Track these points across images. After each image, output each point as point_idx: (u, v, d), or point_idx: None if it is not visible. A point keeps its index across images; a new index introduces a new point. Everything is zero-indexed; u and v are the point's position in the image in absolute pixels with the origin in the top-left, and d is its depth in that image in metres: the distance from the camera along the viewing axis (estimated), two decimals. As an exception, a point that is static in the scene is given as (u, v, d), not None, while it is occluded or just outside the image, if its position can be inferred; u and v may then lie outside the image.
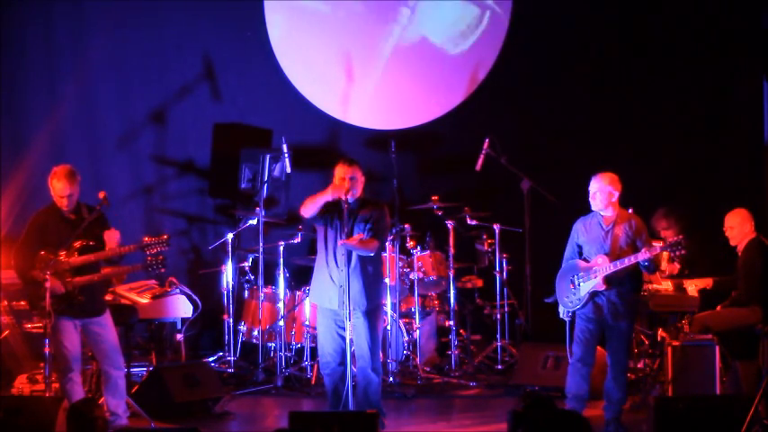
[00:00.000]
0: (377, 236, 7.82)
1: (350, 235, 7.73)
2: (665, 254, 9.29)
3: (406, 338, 9.81)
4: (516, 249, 10.35)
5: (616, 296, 7.93)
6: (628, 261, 7.79)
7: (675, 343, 8.41)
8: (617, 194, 7.99)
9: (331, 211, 7.80)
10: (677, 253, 7.85)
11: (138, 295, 9.17)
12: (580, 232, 8.10)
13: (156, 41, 11.12)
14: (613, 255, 7.88)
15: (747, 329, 8.79)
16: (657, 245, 7.85)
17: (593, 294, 7.93)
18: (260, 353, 9.91)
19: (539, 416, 5.40)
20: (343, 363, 7.74)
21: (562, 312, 8.12)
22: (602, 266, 7.86)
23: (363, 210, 7.86)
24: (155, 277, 9.16)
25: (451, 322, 10.11)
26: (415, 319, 9.88)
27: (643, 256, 7.75)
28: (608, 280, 7.86)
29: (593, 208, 8.03)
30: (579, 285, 7.96)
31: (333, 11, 11.34)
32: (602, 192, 7.97)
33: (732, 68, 11.01)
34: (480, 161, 10.35)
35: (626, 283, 7.96)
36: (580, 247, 8.09)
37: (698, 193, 10.92)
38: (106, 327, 7.86)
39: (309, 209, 7.75)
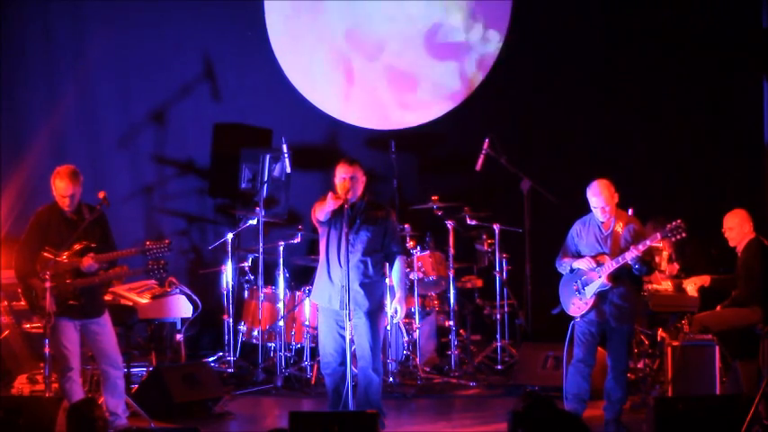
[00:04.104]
0: (399, 249, 7.97)
1: (356, 232, 7.77)
2: (665, 254, 9.31)
3: (406, 338, 9.81)
4: (516, 249, 10.35)
5: (619, 298, 7.93)
6: (629, 254, 7.76)
7: (675, 343, 8.41)
8: (617, 198, 7.98)
9: (334, 212, 7.80)
10: (678, 237, 7.80)
11: (138, 295, 9.17)
12: (578, 237, 8.09)
13: (156, 41, 11.11)
14: (613, 255, 7.87)
15: (747, 329, 8.80)
16: (657, 234, 7.82)
17: (599, 298, 7.91)
18: (260, 353, 9.91)
19: (539, 416, 5.39)
20: (344, 363, 7.74)
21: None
22: (605, 264, 7.86)
23: (370, 213, 7.87)
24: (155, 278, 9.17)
25: (451, 322, 10.10)
26: (415, 319, 9.87)
27: (644, 247, 7.72)
28: (612, 277, 7.86)
29: (600, 219, 8.00)
30: (584, 289, 7.95)
31: (333, 11, 11.34)
32: (608, 204, 7.93)
33: (732, 68, 11.01)
34: (480, 161, 10.35)
35: (628, 285, 7.96)
36: (578, 253, 8.08)
37: (698, 194, 10.93)
38: (105, 327, 7.87)
39: (321, 214, 7.81)
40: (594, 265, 7.89)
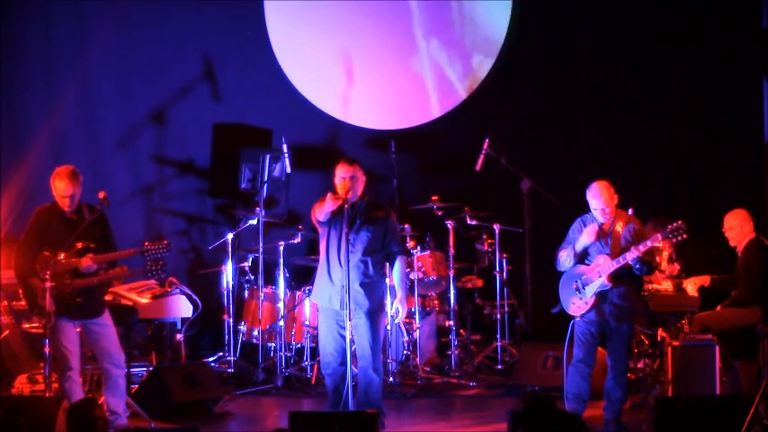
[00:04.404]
0: (400, 249, 7.99)
1: (356, 232, 7.78)
2: (666, 254, 9.31)
3: (406, 338, 9.81)
4: (516, 249, 10.35)
5: (619, 298, 7.92)
6: (630, 255, 7.76)
7: (675, 343, 8.41)
8: (616, 199, 7.99)
9: (334, 212, 7.81)
10: (679, 238, 7.80)
11: (138, 295, 9.17)
12: (579, 232, 8.08)
13: (156, 41, 11.11)
14: (614, 255, 7.87)
15: (747, 329, 8.80)
16: (658, 235, 7.81)
17: (600, 298, 7.91)
18: (260, 353, 9.91)
19: (539, 416, 5.39)
20: (344, 363, 7.74)
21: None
22: (605, 265, 7.85)
23: (370, 213, 7.88)
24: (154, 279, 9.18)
25: (451, 322, 10.10)
26: (415, 319, 9.88)
27: (644, 247, 7.72)
28: (613, 277, 7.85)
29: (600, 221, 8.00)
30: (584, 289, 7.95)
31: (333, 11, 11.34)
32: (607, 206, 7.93)
33: (732, 68, 11.01)
34: (480, 161, 10.35)
35: (628, 285, 7.95)
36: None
37: (698, 194, 10.92)
38: (106, 326, 7.87)
39: (320, 215, 7.82)
40: (598, 230, 7.87)
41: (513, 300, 10.44)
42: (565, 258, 8.07)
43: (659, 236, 7.77)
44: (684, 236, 7.77)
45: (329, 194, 7.74)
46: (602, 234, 7.96)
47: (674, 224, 7.77)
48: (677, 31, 11.06)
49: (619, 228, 7.97)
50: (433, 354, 10.31)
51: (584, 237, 7.96)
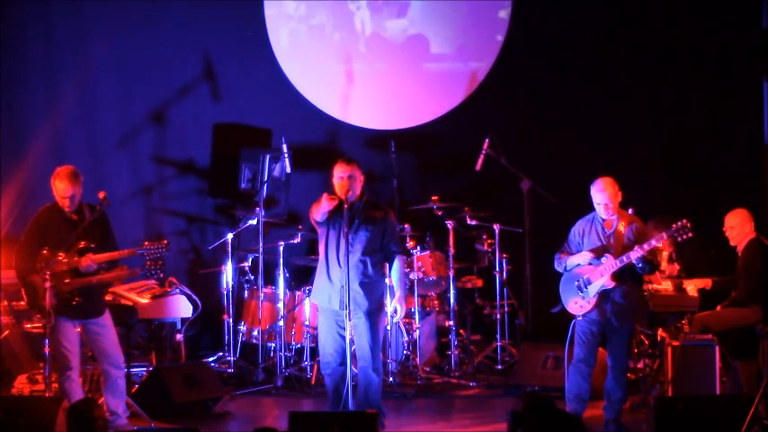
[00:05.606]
0: (398, 249, 8.01)
1: (355, 232, 7.78)
2: (665, 254, 9.31)
3: (406, 338, 9.81)
4: (516, 249, 10.34)
5: (621, 297, 7.92)
6: (633, 254, 7.75)
7: (675, 343, 8.41)
8: (620, 197, 7.99)
9: (333, 212, 7.81)
10: (685, 237, 7.79)
11: (138, 295, 9.17)
12: (579, 235, 8.08)
13: (156, 41, 11.12)
14: (617, 255, 7.86)
15: (747, 329, 8.80)
16: (663, 234, 7.80)
17: (602, 297, 7.90)
18: (260, 353, 9.91)
19: (539, 416, 5.39)
20: (344, 363, 7.74)
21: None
22: (608, 264, 7.85)
23: (369, 213, 7.88)
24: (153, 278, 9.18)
25: (451, 322, 10.10)
26: (415, 319, 9.87)
27: (649, 246, 7.71)
28: (615, 276, 7.85)
29: (602, 217, 7.99)
30: (586, 288, 7.94)
31: (333, 11, 11.34)
32: (611, 202, 7.93)
33: (732, 68, 11.01)
34: (480, 161, 10.35)
35: (630, 284, 7.95)
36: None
37: (698, 194, 10.92)
38: (105, 327, 7.87)
39: (317, 215, 7.83)
40: (592, 258, 7.87)
41: (513, 300, 10.44)
42: (560, 264, 8.07)
43: (665, 235, 7.76)
44: (689, 234, 7.76)
45: (325, 195, 7.75)
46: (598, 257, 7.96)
47: (680, 223, 7.76)
48: (677, 30, 11.06)
49: (621, 227, 7.97)
50: (432, 354, 10.30)
51: (578, 258, 7.96)
